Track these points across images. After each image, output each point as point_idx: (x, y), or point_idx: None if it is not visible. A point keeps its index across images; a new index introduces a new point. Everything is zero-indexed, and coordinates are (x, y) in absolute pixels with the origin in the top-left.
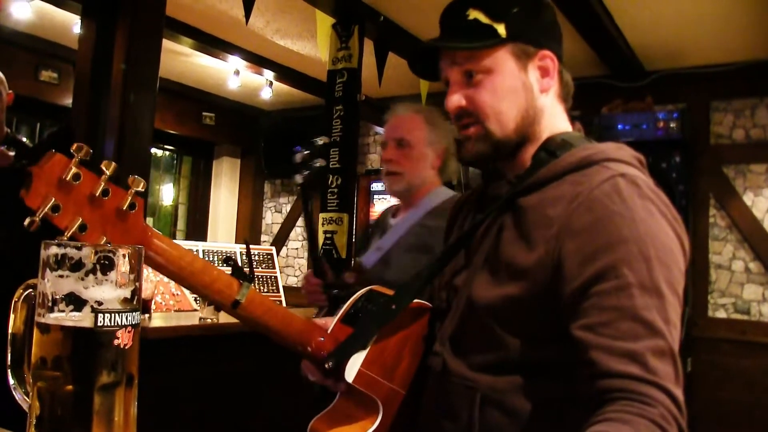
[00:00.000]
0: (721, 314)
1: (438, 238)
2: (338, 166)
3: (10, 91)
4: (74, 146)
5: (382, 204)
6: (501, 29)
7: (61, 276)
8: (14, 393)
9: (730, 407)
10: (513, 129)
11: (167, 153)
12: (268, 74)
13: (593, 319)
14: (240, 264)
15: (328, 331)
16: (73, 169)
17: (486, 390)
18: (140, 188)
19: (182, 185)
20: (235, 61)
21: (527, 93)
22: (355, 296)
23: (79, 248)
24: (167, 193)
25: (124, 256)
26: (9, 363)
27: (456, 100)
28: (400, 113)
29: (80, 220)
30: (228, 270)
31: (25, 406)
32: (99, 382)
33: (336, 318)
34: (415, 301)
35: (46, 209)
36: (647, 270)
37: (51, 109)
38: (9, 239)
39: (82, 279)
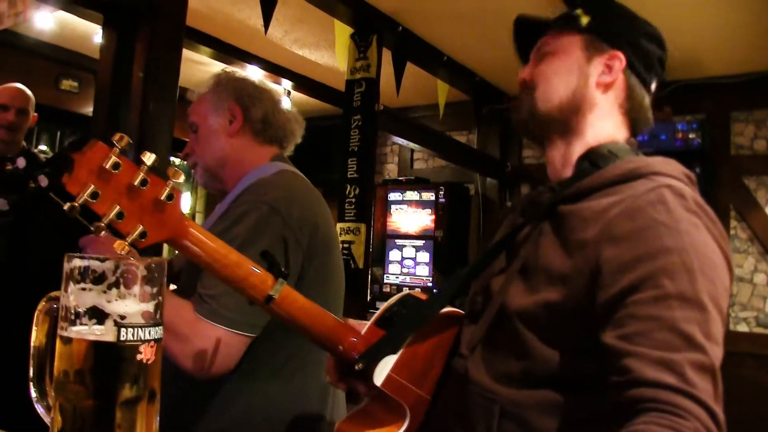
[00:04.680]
0: (742, 328)
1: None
2: (356, 175)
3: (35, 114)
4: (116, 136)
5: (399, 214)
6: (584, 20)
7: (84, 289)
8: (36, 406)
9: (753, 423)
10: (556, 105)
11: (184, 162)
12: (287, 84)
13: (628, 328)
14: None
15: (362, 333)
16: (113, 158)
17: (506, 403)
18: (181, 181)
19: (200, 194)
20: (253, 71)
21: (581, 78)
22: (390, 300)
23: (102, 261)
24: (185, 202)
25: (147, 269)
26: (31, 376)
27: (524, 73)
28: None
29: (117, 207)
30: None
31: (46, 420)
32: (121, 397)
33: (371, 320)
34: (449, 309)
35: (85, 195)
36: (689, 282)
37: (71, 117)
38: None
39: (105, 292)
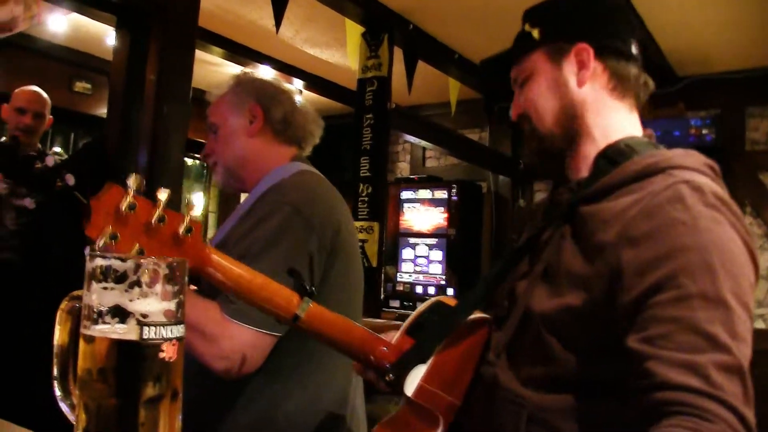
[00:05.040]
0: (759, 325)
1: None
2: (368, 174)
3: (51, 117)
4: (130, 178)
5: (412, 212)
6: (535, 33)
7: (106, 288)
8: (60, 404)
9: None
10: (553, 123)
11: (197, 162)
12: (298, 83)
13: (650, 331)
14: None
15: (393, 342)
16: (129, 199)
17: (533, 408)
18: (195, 214)
19: (212, 194)
20: (264, 70)
21: (561, 88)
22: (421, 307)
23: (123, 260)
24: (197, 202)
25: (169, 268)
26: (55, 374)
27: (513, 110)
28: (212, 100)
29: (138, 246)
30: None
31: (71, 418)
32: (144, 396)
33: (401, 328)
34: (477, 314)
35: (105, 239)
36: (711, 280)
37: (85, 119)
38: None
39: (128, 291)
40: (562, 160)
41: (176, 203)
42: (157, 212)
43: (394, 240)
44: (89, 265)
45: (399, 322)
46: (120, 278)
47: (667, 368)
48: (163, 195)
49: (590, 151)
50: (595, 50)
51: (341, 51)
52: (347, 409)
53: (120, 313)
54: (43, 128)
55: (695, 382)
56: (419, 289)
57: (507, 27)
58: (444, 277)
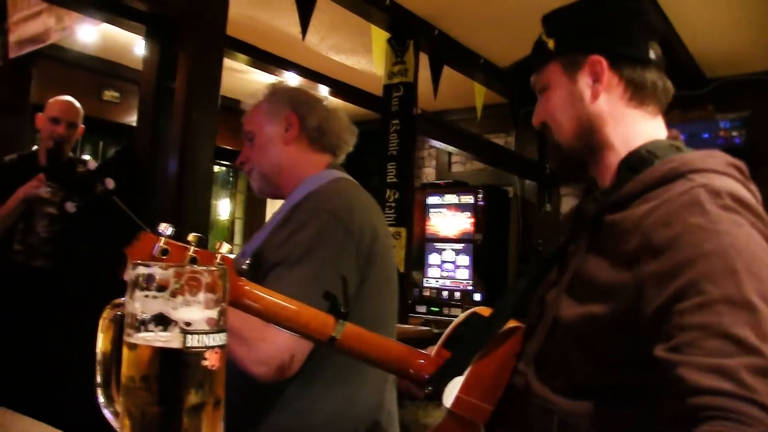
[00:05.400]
0: None
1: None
2: (395, 180)
3: (82, 126)
4: (161, 225)
5: (438, 218)
6: (550, 44)
7: (149, 296)
8: (104, 411)
9: None
10: (572, 137)
11: (223, 168)
12: (323, 89)
13: (677, 340)
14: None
15: (430, 355)
16: (161, 246)
17: (564, 414)
18: (226, 252)
19: (238, 200)
20: (290, 77)
21: (577, 102)
22: (457, 319)
23: (165, 269)
24: (224, 208)
25: (211, 276)
26: (99, 381)
27: (535, 117)
28: (247, 108)
29: None
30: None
31: (114, 425)
32: (187, 403)
33: (439, 341)
34: (511, 323)
35: None
36: (734, 284)
37: (113, 127)
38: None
39: (171, 299)
40: (586, 169)
41: (205, 210)
42: (189, 254)
43: (420, 245)
44: (132, 273)
45: (425, 328)
46: (163, 286)
47: (698, 374)
48: (193, 238)
49: (613, 160)
50: (609, 61)
51: (367, 57)
52: (383, 413)
53: (163, 321)
54: (76, 137)
55: (728, 386)
56: (446, 295)
57: (532, 30)
58: (471, 282)
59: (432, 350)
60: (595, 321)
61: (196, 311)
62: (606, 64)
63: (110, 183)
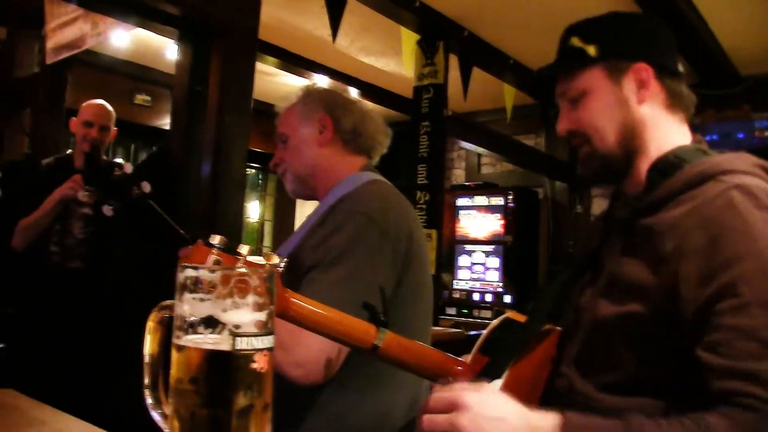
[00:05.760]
0: None
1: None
2: (426, 182)
3: (115, 128)
4: (214, 237)
5: (468, 219)
6: (591, 50)
7: (198, 299)
8: (152, 413)
9: None
10: (615, 143)
11: (253, 171)
12: (353, 92)
13: (712, 339)
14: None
15: (468, 361)
16: (214, 256)
17: (609, 411)
18: (276, 262)
19: (268, 202)
20: (320, 80)
21: (623, 107)
22: (491, 325)
23: (213, 271)
24: (254, 211)
25: (259, 279)
26: (147, 383)
27: (563, 124)
28: (280, 110)
29: None
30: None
31: (163, 426)
32: (237, 406)
33: (474, 347)
34: (546, 326)
35: None
36: None
37: (145, 130)
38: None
39: (220, 302)
40: (620, 178)
41: (238, 213)
42: (239, 265)
43: (450, 247)
44: (181, 276)
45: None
46: (212, 289)
47: (728, 378)
48: (244, 249)
49: (644, 166)
50: (655, 70)
51: (396, 59)
52: (417, 413)
53: (213, 324)
54: (109, 140)
55: (757, 390)
56: (476, 297)
57: (559, 32)
58: (501, 284)
59: (467, 358)
60: (633, 320)
61: (245, 314)
62: (652, 71)
63: (146, 186)
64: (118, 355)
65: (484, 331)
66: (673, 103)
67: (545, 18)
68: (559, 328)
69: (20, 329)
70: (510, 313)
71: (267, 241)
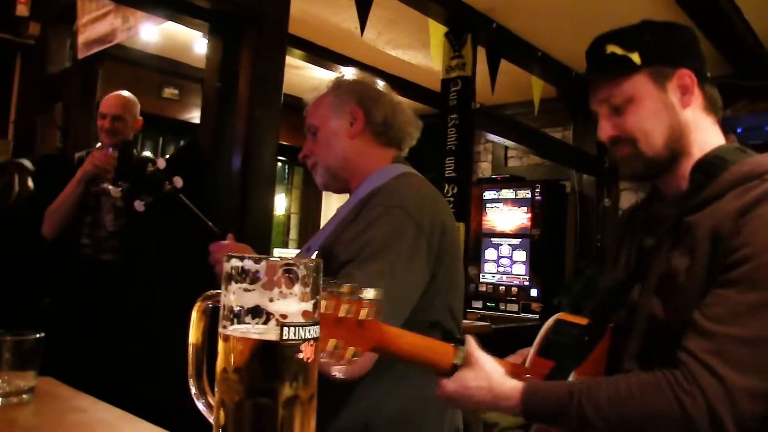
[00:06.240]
0: None
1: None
2: (454, 175)
3: (140, 118)
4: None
5: (495, 212)
6: (635, 58)
7: (245, 289)
8: (197, 402)
9: None
10: (662, 146)
11: (279, 164)
12: (380, 84)
13: (705, 300)
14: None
15: (527, 365)
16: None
17: None
18: (372, 296)
19: (294, 195)
20: (346, 73)
21: (669, 111)
22: (544, 328)
23: (258, 261)
24: (279, 203)
25: (306, 269)
26: (191, 373)
27: (606, 130)
28: (309, 101)
29: (334, 342)
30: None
31: (208, 416)
32: (283, 396)
33: (531, 351)
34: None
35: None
36: None
37: (173, 124)
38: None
39: (267, 292)
40: (656, 177)
41: (268, 207)
42: (346, 306)
43: (476, 240)
44: (227, 266)
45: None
46: (257, 279)
47: (691, 334)
48: (346, 290)
49: (686, 166)
50: (696, 76)
51: (423, 52)
52: (448, 408)
53: (259, 314)
54: (129, 130)
55: (701, 346)
56: (502, 290)
57: (591, 23)
58: (527, 278)
59: (516, 358)
60: (686, 315)
61: (292, 303)
62: (695, 77)
63: (179, 182)
64: (150, 345)
65: (539, 334)
66: (710, 105)
67: (574, 10)
68: (610, 326)
69: (57, 320)
70: (561, 315)
71: (293, 234)
